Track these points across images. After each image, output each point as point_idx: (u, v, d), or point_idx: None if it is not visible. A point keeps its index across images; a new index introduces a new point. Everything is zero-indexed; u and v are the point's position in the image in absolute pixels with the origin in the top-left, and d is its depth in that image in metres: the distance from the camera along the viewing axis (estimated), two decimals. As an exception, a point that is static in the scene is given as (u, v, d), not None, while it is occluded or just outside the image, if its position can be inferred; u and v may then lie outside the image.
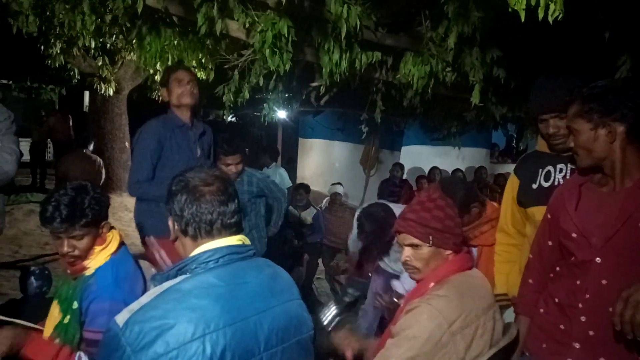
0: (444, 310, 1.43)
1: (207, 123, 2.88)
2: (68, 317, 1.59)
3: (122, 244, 1.73)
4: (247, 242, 1.29)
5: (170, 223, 1.27)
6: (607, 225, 1.43)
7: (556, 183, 1.80)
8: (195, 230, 1.21)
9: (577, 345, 1.47)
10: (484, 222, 2.26)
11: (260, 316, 1.18)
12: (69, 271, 1.66)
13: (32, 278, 2.76)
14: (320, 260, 4.96)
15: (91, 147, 5.77)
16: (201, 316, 1.09)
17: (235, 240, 1.25)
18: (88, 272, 1.62)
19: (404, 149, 8.02)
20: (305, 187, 5.28)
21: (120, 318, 1.09)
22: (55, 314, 1.67)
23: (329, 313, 2.34)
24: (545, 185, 1.84)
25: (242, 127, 11.45)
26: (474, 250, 2.21)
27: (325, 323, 2.45)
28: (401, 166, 7.08)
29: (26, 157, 9.09)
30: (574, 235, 1.50)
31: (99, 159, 5.63)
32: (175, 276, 1.19)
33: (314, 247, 4.88)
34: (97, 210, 1.59)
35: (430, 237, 1.52)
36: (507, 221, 2.01)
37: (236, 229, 1.26)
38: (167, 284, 1.16)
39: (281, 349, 1.20)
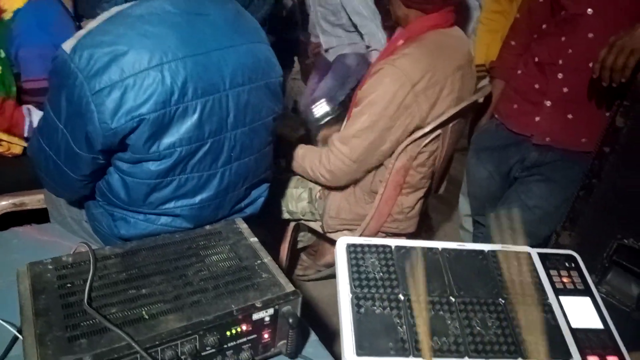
0: (409, 70, 1.35)
1: None
2: (0, 68, 1.52)
3: None
4: None
5: None
6: None
7: None
8: None
9: (548, 104, 1.47)
10: None
11: (224, 52, 1.09)
12: None
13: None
14: (296, 59, 4.76)
15: None
16: (156, 44, 0.99)
17: None
18: (6, 16, 1.53)
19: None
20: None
21: (68, 45, 0.99)
22: None
23: (321, 108, 2.31)
24: None
25: None
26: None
27: (317, 116, 2.45)
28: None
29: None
30: None
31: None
32: (125, 1, 1.06)
33: (290, 43, 4.62)
34: None
35: None
36: None
37: None
38: (115, 9, 1.03)
39: (248, 89, 1.14)
